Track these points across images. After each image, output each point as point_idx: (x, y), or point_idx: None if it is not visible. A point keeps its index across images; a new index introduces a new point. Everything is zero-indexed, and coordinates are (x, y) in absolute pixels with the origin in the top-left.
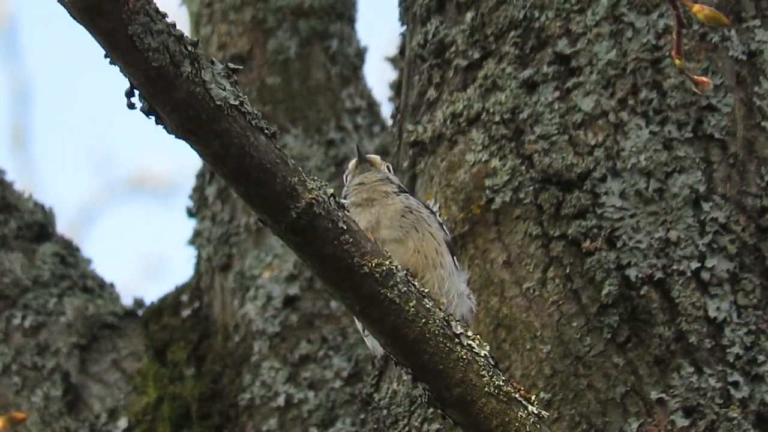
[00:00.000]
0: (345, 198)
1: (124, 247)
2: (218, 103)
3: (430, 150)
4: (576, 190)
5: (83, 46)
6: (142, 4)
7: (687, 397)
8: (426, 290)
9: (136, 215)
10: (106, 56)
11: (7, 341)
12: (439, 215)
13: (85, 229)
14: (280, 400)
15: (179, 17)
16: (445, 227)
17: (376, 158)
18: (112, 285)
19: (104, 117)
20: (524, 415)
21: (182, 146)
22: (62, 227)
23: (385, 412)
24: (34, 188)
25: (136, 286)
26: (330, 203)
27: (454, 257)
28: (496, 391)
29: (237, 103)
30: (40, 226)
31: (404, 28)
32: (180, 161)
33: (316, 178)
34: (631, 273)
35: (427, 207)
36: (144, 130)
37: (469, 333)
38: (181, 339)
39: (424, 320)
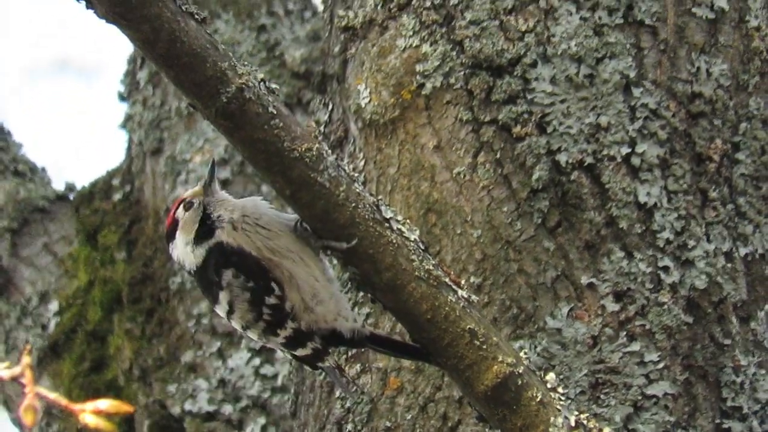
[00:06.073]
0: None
1: (50, 129)
2: None
3: (362, 35)
4: (506, 75)
5: None
6: None
7: (617, 282)
8: (356, 175)
9: (61, 96)
10: None
11: None
12: (370, 100)
13: (9, 111)
14: None
15: None
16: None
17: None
18: (43, 169)
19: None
20: (454, 300)
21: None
22: None
23: None
24: None
25: (62, 168)
26: (260, 88)
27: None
28: (425, 276)
29: None
30: None
31: None
32: (107, 43)
33: (246, 63)
34: (562, 158)
35: None
36: (71, 14)
37: (399, 217)
38: (113, 223)
39: (354, 204)
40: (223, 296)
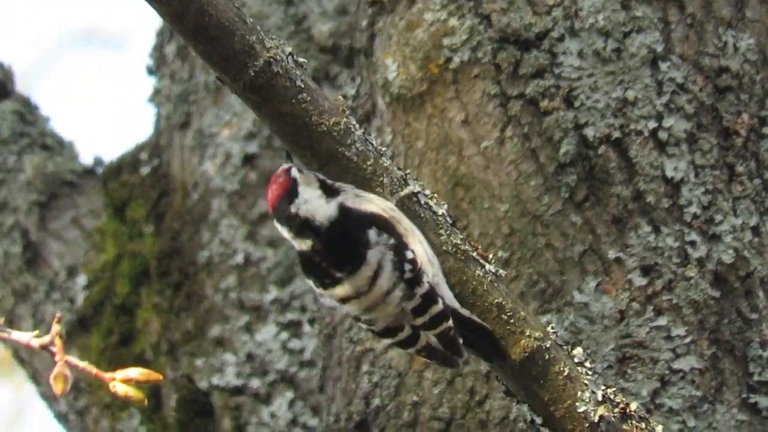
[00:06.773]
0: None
1: (77, 102)
2: None
3: (389, 9)
4: (534, 49)
5: None
6: None
7: (644, 257)
8: (384, 149)
9: (88, 69)
10: None
11: None
12: (397, 74)
13: (35, 84)
14: (239, 258)
15: None
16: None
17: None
18: (71, 143)
19: None
20: (481, 274)
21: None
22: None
23: None
24: None
25: (90, 142)
26: (288, 62)
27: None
28: (453, 250)
29: None
30: None
31: None
32: (133, 14)
33: (274, 36)
34: (589, 132)
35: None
36: None
37: (427, 191)
38: (141, 197)
39: (381, 179)
40: (372, 255)
